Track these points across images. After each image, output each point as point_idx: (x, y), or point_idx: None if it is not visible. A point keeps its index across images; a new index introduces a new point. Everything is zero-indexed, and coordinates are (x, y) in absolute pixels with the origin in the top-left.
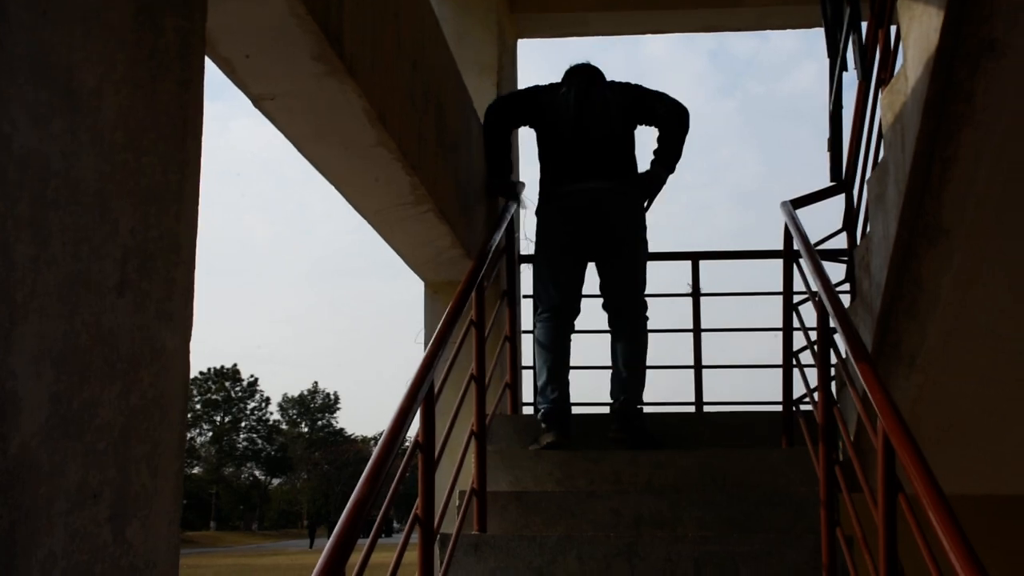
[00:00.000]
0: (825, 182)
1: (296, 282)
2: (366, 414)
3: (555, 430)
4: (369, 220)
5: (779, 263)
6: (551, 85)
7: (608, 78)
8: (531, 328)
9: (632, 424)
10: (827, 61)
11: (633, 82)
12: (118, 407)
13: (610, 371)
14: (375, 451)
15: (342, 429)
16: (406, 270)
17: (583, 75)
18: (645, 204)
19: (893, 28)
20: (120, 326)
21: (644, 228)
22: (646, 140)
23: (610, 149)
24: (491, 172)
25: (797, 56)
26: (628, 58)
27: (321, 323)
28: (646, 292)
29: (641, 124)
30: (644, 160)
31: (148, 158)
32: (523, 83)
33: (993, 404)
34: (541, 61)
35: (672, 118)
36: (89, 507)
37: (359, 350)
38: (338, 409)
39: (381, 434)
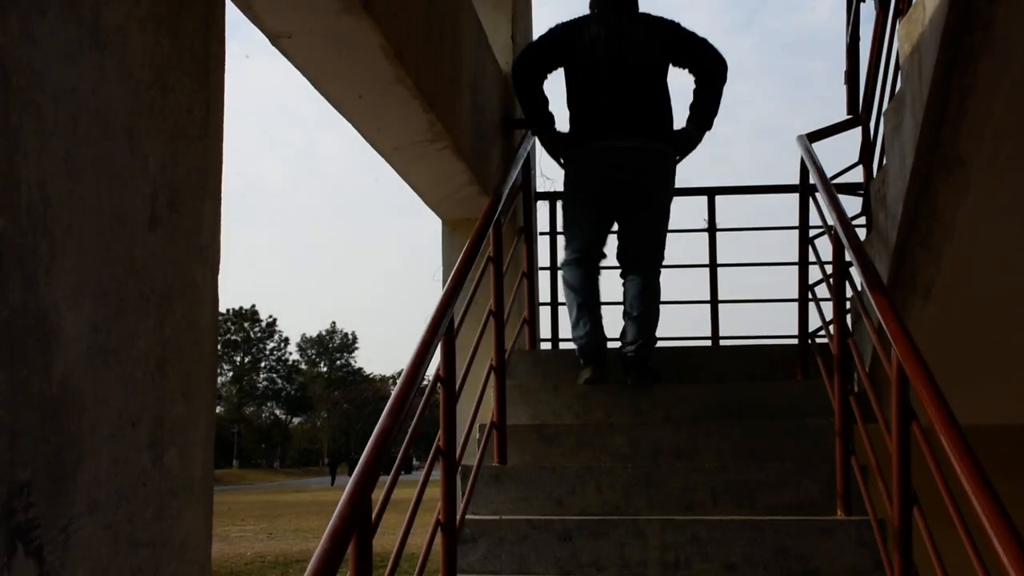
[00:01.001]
0: (842, 115)
1: (311, 222)
2: (384, 353)
3: (592, 365)
4: (386, 158)
5: (795, 198)
6: (578, 20)
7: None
8: (547, 264)
9: (648, 368)
10: None
11: (669, 18)
12: (154, 338)
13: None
14: (398, 383)
15: (360, 368)
16: (422, 209)
17: (614, 6)
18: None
19: None
20: (153, 260)
21: (673, 185)
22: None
23: (644, 96)
24: (534, 125)
25: None
26: None
27: (337, 263)
28: (664, 251)
29: (676, 66)
30: (677, 105)
31: (174, 95)
32: (536, 18)
33: (1007, 336)
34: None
35: (712, 71)
36: (129, 434)
37: (376, 290)
38: (356, 349)
39: (400, 372)
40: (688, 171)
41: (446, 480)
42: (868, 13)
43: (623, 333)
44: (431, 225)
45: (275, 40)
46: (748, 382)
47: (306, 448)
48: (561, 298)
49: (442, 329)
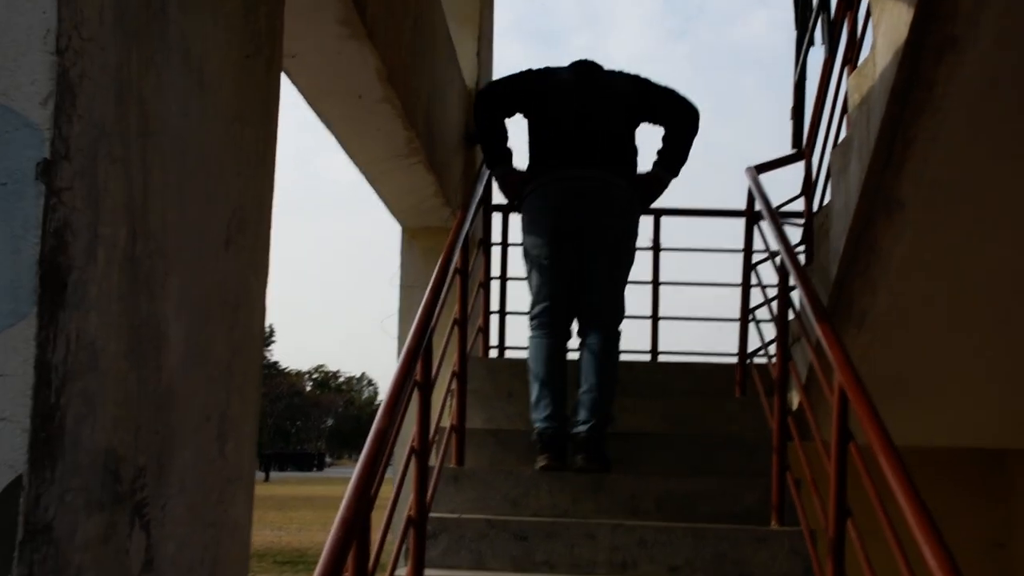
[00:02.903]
0: (767, 134)
1: None
2: (302, 348)
3: (549, 452)
4: (361, 169)
5: (733, 222)
6: (548, 69)
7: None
8: (499, 275)
9: (600, 451)
10: (785, 19)
11: (642, 75)
12: (226, 342)
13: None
14: (390, 386)
15: (276, 362)
16: (344, 206)
17: (585, 64)
18: (641, 207)
19: (861, 12)
20: (227, 274)
21: (635, 233)
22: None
23: (609, 141)
24: (493, 161)
25: (751, 4)
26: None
27: None
28: (624, 308)
29: (645, 120)
30: (645, 161)
31: (248, 129)
32: (499, 33)
33: (933, 363)
34: (513, 12)
35: (680, 118)
36: (205, 427)
37: (295, 284)
38: (273, 342)
39: (317, 368)
40: None
41: (419, 479)
42: (816, 53)
43: (575, 407)
44: (355, 222)
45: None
46: (692, 397)
47: None
48: (511, 307)
49: (424, 339)
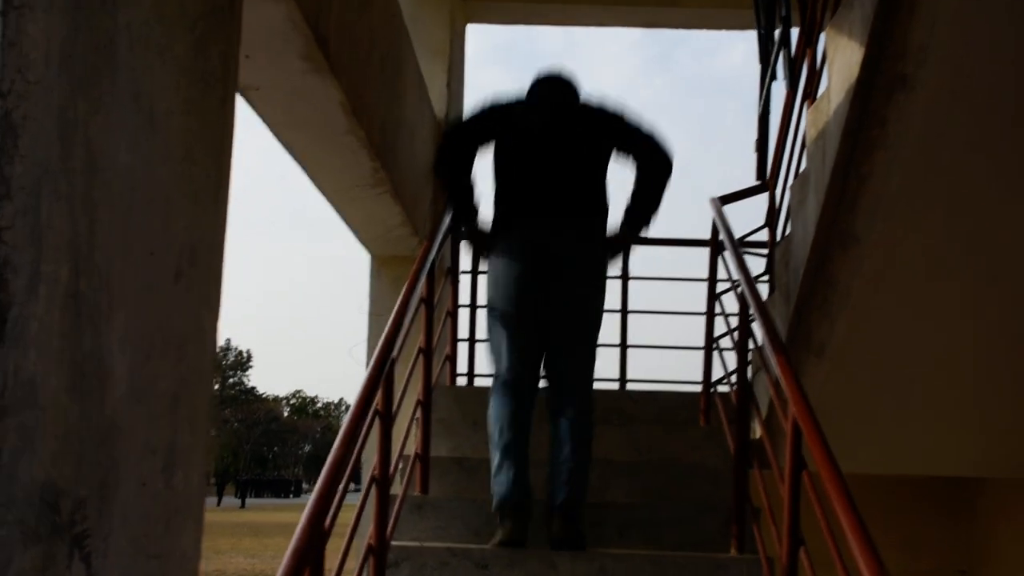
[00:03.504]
0: (746, 159)
1: None
2: (279, 373)
3: (510, 524)
4: (327, 197)
5: (704, 251)
6: (510, 105)
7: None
8: (468, 303)
9: (575, 527)
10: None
11: (612, 107)
12: (172, 377)
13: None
14: (347, 416)
15: (254, 388)
16: (324, 231)
17: (553, 89)
18: (609, 264)
19: (821, 47)
20: (175, 309)
21: (603, 290)
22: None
23: (577, 185)
24: (457, 216)
25: (731, 35)
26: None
27: (234, 279)
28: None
29: (619, 153)
30: (617, 197)
31: (197, 167)
32: (469, 66)
33: (891, 392)
34: (480, 44)
35: (655, 165)
36: (151, 460)
37: (273, 308)
38: (250, 367)
39: (294, 393)
40: None
41: (379, 507)
42: (779, 88)
43: (549, 477)
44: (332, 246)
45: (244, 92)
46: (655, 425)
47: None
48: (480, 335)
49: (385, 368)
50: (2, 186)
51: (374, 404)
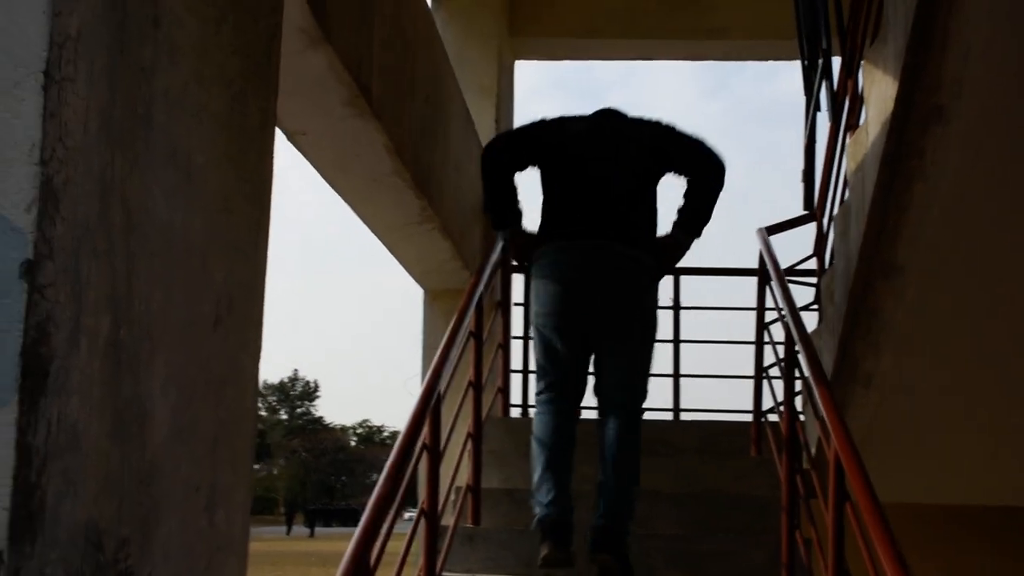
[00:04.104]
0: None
1: (277, 267)
2: (346, 403)
3: (551, 541)
4: (378, 235)
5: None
6: (564, 117)
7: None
8: (521, 334)
9: (621, 550)
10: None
11: (664, 120)
12: (212, 419)
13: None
14: (393, 453)
15: (321, 417)
16: (387, 262)
17: (604, 112)
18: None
19: (861, 80)
20: (214, 354)
21: (655, 306)
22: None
23: (625, 200)
24: (498, 222)
25: (785, 63)
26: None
27: (301, 310)
28: (646, 388)
29: (668, 172)
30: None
31: (235, 217)
32: (519, 103)
33: (940, 421)
34: (536, 77)
35: (706, 172)
36: (193, 499)
37: (340, 339)
38: (317, 397)
39: (361, 422)
40: None
41: (428, 540)
42: (824, 118)
43: (595, 499)
44: (396, 278)
45: (291, 137)
46: (705, 455)
47: (262, 496)
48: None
49: (431, 404)
50: (44, 247)
51: (422, 438)
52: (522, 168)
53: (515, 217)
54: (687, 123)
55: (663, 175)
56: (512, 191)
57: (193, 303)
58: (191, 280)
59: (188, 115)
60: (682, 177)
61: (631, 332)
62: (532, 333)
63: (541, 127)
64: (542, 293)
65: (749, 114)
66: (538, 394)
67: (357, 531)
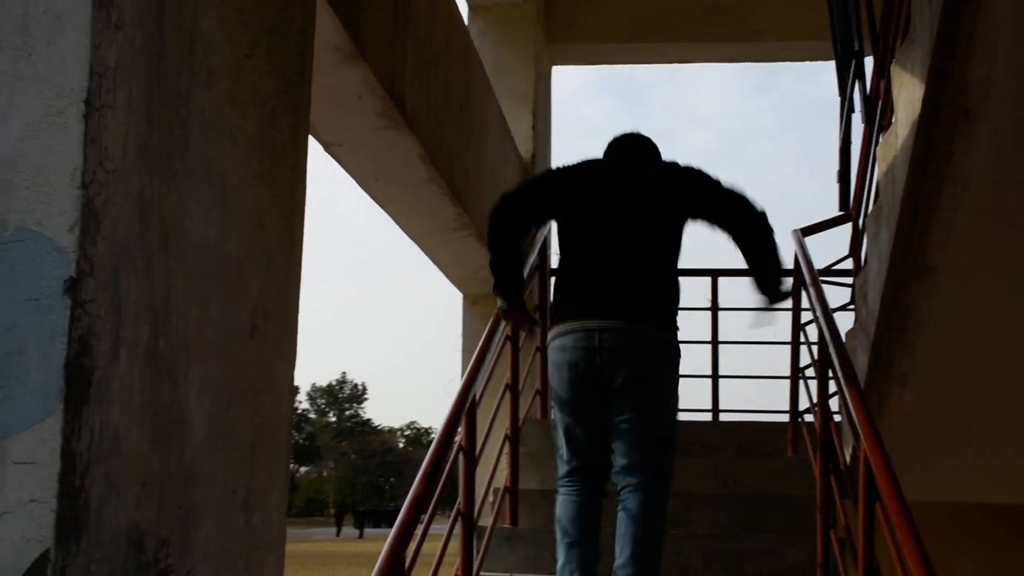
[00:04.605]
0: None
1: (324, 273)
2: (394, 405)
3: None
4: (416, 241)
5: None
6: (583, 165)
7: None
8: None
9: None
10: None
11: (695, 165)
12: (249, 425)
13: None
14: (428, 455)
15: (369, 420)
16: (433, 267)
17: (626, 150)
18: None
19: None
20: (250, 363)
21: (674, 377)
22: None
23: (644, 267)
24: (500, 292)
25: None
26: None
27: (349, 313)
28: (670, 464)
29: (697, 220)
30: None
31: (270, 232)
32: (563, 106)
33: (977, 420)
34: (579, 79)
35: (753, 222)
36: (230, 501)
37: (387, 341)
38: (366, 399)
39: (409, 424)
40: (694, 242)
41: (465, 541)
42: (858, 119)
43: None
44: (442, 280)
45: (328, 148)
46: (742, 456)
47: (312, 498)
48: None
49: (466, 407)
50: (85, 265)
51: (458, 440)
52: (535, 225)
53: (516, 288)
54: (735, 123)
55: (687, 225)
56: (517, 257)
57: (229, 315)
58: (227, 293)
59: (223, 136)
60: (718, 228)
61: (646, 411)
62: (552, 405)
63: (552, 183)
64: (556, 378)
65: (798, 111)
66: (560, 478)
67: (392, 531)
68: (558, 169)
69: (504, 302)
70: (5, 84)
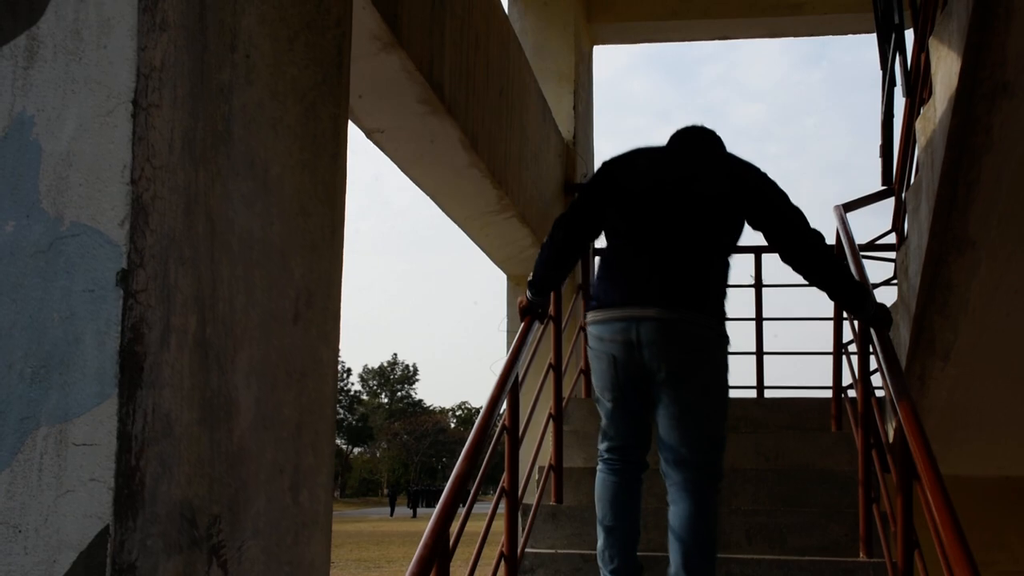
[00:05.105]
0: None
1: (373, 253)
2: (444, 385)
3: None
4: (459, 224)
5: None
6: (639, 150)
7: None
8: None
9: None
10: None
11: (756, 168)
12: (294, 406)
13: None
14: (472, 433)
15: (421, 400)
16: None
17: (686, 141)
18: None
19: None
20: (295, 346)
21: (722, 368)
22: None
23: (690, 258)
24: (535, 285)
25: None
26: None
27: (399, 294)
28: (718, 453)
29: (750, 222)
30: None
31: (312, 219)
32: (612, 83)
33: (1022, 395)
34: (627, 56)
35: (799, 230)
36: (278, 479)
37: (437, 322)
38: (417, 380)
39: (460, 404)
40: None
41: (509, 518)
42: (900, 92)
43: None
44: (488, 261)
45: (369, 134)
46: (786, 431)
47: (366, 478)
48: None
49: (508, 386)
50: (136, 256)
51: (501, 420)
52: (599, 225)
53: (550, 290)
54: (787, 96)
55: (740, 224)
56: (567, 265)
57: (274, 301)
58: (271, 280)
59: (264, 128)
60: (762, 233)
61: (688, 404)
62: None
63: (609, 167)
64: (596, 366)
65: (848, 84)
66: (601, 451)
67: (436, 509)
68: (613, 159)
69: (533, 296)
70: (59, 87)
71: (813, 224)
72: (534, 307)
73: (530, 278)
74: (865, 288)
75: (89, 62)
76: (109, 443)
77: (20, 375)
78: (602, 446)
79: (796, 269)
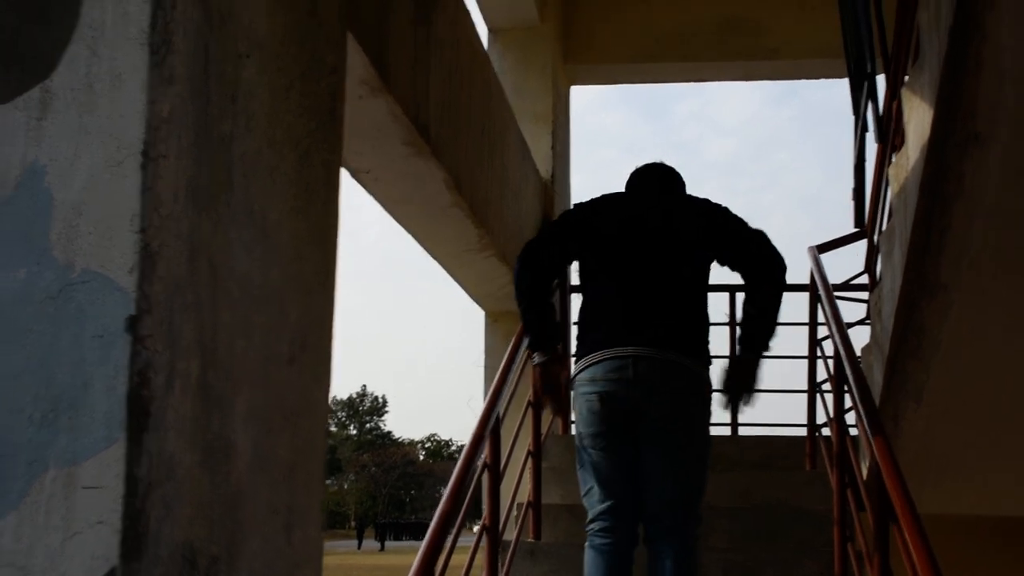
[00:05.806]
0: None
1: (344, 284)
2: (414, 417)
3: None
4: (439, 261)
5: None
6: (604, 200)
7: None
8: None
9: None
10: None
11: (716, 202)
12: (289, 447)
13: None
14: (454, 473)
15: (390, 432)
16: (451, 279)
17: (654, 182)
18: (728, 402)
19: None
20: (290, 388)
21: (704, 415)
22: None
23: (670, 297)
24: (534, 343)
25: None
26: None
27: (368, 325)
28: (698, 506)
29: (718, 261)
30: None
31: (307, 264)
32: (585, 118)
33: (994, 435)
34: (600, 90)
35: (767, 272)
36: (273, 521)
37: (407, 354)
38: (386, 412)
39: (429, 436)
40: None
41: (490, 554)
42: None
43: None
44: (460, 294)
45: (355, 174)
46: (760, 470)
47: (333, 510)
48: None
49: (490, 426)
50: (144, 303)
51: (483, 457)
52: (564, 265)
53: (552, 335)
54: (759, 132)
55: (711, 263)
56: (545, 308)
57: (271, 344)
58: (269, 324)
59: (262, 176)
60: (734, 271)
61: (679, 445)
62: (577, 456)
63: (579, 212)
64: (584, 412)
65: (820, 120)
66: (590, 522)
67: (422, 547)
68: (577, 207)
69: (539, 356)
70: (72, 137)
71: (784, 253)
72: (548, 365)
73: (526, 342)
74: (769, 343)
75: (101, 114)
76: (116, 486)
77: (30, 419)
78: (592, 512)
79: (748, 300)
